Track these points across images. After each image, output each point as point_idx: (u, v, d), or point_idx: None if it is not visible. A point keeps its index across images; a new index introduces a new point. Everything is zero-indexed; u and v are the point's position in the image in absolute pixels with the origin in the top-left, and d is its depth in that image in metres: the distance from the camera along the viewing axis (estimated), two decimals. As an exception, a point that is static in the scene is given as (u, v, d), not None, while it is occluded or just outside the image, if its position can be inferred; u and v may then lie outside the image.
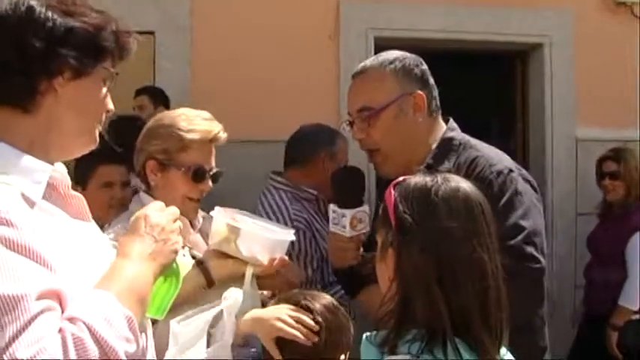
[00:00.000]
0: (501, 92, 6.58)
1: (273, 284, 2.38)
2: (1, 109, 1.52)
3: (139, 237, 1.59)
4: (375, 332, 1.60)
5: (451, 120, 2.59)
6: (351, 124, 2.56)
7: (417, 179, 1.63)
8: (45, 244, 1.42)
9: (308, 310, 2.08)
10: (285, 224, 3.12)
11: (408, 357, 1.48)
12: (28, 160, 1.49)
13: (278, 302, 2.17)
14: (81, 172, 3.26)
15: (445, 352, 1.46)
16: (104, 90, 1.63)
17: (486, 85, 6.42)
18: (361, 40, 5.75)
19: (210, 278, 2.27)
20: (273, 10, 5.57)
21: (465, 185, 1.62)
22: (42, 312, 1.31)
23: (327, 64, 5.69)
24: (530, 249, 2.25)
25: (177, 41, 5.50)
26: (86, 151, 1.66)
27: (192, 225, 2.49)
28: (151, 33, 5.39)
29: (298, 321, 2.03)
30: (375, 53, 5.66)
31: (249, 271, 2.13)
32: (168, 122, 2.39)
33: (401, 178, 1.68)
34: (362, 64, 2.58)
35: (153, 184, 2.42)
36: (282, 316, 2.03)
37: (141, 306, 1.46)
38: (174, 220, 1.71)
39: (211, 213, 2.33)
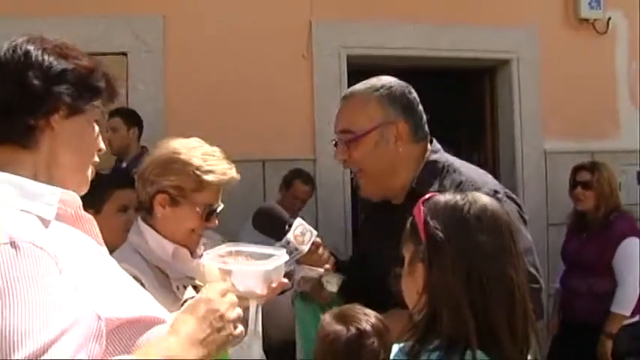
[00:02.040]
0: (470, 108, 6.70)
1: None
2: (3, 147, 1.59)
3: (197, 319, 1.63)
4: (403, 343, 1.65)
5: (435, 141, 2.59)
6: (335, 144, 2.60)
7: (448, 197, 1.69)
8: (68, 266, 1.45)
9: (359, 332, 2.08)
10: None
11: None
12: (36, 186, 1.55)
13: (332, 319, 2.16)
14: (96, 196, 3.28)
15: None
16: (96, 129, 1.71)
17: (455, 100, 6.53)
18: (334, 59, 5.84)
19: None
20: (245, 31, 5.62)
21: (493, 204, 1.69)
22: (58, 345, 1.32)
23: (302, 83, 5.76)
24: (530, 269, 2.27)
25: (150, 62, 5.52)
26: (81, 192, 1.70)
27: (193, 252, 2.45)
28: (124, 54, 5.41)
29: None
30: (348, 71, 5.86)
31: (252, 307, 2.10)
32: (184, 159, 2.33)
33: (428, 195, 1.73)
34: (352, 87, 2.60)
35: (159, 216, 2.38)
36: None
37: None
38: (234, 308, 1.75)
39: (201, 260, 2.29)
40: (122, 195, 3.37)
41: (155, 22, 5.56)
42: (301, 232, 2.49)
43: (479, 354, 1.53)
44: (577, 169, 5.14)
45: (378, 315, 2.13)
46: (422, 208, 1.69)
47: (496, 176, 6.33)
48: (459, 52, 6.13)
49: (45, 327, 1.32)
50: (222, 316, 1.68)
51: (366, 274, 2.52)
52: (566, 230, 5.30)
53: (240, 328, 1.76)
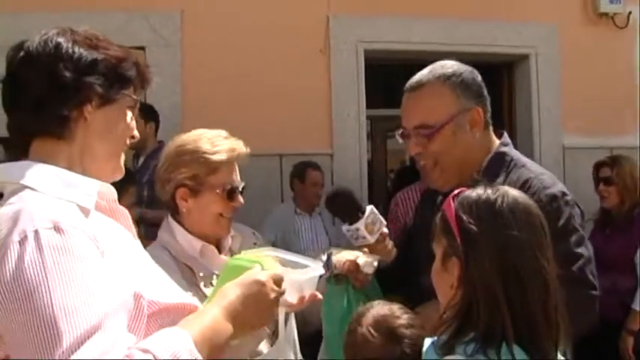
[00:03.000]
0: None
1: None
2: (39, 140, 1.63)
3: (245, 298, 1.64)
4: (437, 337, 1.65)
5: (505, 134, 2.53)
6: (406, 137, 2.47)
7: (478, 191, 1.68)
8: (108, 249, 1.50)
9: (397, 338, 2.04)
10: None
11: (462, 357, 1.54)
12: (75, 177, 1.60)
13: (372, 329, 2.09)
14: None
15: (499, 352, 1.52)
16: (129, 117, 1.74)
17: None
18: (351, 54, 5.84)
19: None
20: (263, 25, 5.63)
21: (523, 197, 1.69)
22: (106, 326, 1.36)
23: (319, 78, 5.77)
24: (589, 276, 2.25)
25: (167, 57, 5.54)
26: (115, 178, 1.75)
27: (221, 246, 2.47)
28: (142, 48, 5.43)
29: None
30: (366, 66, 5.86)
31: (281, 315, 2.06)
32: (191, 148, 2.36)
33: (457, 191, 1.72)
34: (418, 76, 2.45)
35: (184, 211, 2.39)
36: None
37: (211, 356, 1.51)
38: (278, 299, 1.77)
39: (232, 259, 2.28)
40: (133, 191, 3.41)
41: (173, 17, 5.59)
42: (372, 220, 2.48)
43: (515, 348, 1.54)
44: (598, 166, 5.08)
45: (413, 316, 2.10)
46: (452, 203, 1.69)
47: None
48: (477, 47, 6.10)
49: (92, 307, 1.36)
50: (268, 305, 1.70)
51: (412, 269, 2.48)
52: (592, 227, 5.26)
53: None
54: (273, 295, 1.70)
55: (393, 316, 2.08)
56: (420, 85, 2.40)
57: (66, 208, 1.51)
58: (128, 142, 1.76)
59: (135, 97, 1.73)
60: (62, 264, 1.38)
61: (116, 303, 1.43)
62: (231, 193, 2.38)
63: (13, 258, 1.38)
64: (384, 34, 5.89)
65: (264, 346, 2.25)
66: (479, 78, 2.45)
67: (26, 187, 1.54)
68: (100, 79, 1.62)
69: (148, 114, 5.21)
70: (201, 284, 2.29)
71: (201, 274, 2.31)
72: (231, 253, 2.46)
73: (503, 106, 6.61)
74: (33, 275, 1.36)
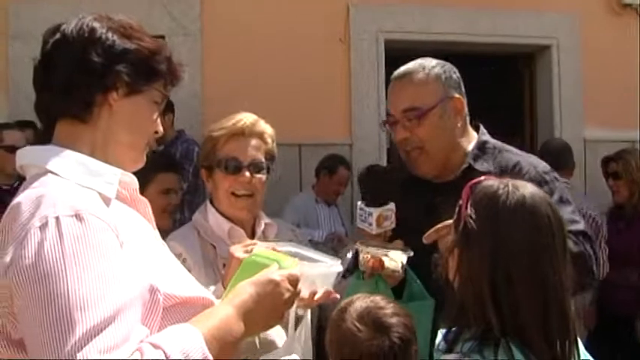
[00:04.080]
0: (508, 94, 6.62)
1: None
2: (63, 122, 1.63)
3: (258, 298, 1.61)
4: (447, 330, 1.64)
5: (481, 126, 2.68)
6: (393, 123, 2.59)
7: (490, 183, 1.64)
8: (127, 240, 1.50)
9: (383, 328, 1.98)
10: None
11: (456, 356, 1.52)
12: (97, 165, 1.60)
13: (356, 320, 2.03)
14: (140, 178, 3.41)
15: (496, 352, 1.48)
16: (155, 111, 1.74)
17: (494, 86, 6.46)
18: (372, 43, 5.81)
19: None
20: (283, 14, 5.62)
21: (535, 196, 1.62)
22: (120, 318, 1.36)
23: (338, 67, 5.75)
24: (586, 238, 2.40)
25: (188, 45, 5.55)
26: (136, 168, 1.75)
27: (254, 232, 2.49)
28: (162, 37, 5.42)
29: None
30: (386, 56, 5.83)
31: (292, 314, 2.03)
32: (209, 129, 2.48)
33: (477, 179, 1.69)
34: (403, 67, 2.62)
35: (209, 191, 2.49)
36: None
37: (222, 355, 1.50)
38: (293, 300, 1.73)
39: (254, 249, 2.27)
40: (165, 178, 3.46)
41: (193, 5, 5.59)
42: (387, 216, 2.48)
43: (517, 348, 1.50)
44: (606, 161, 5.10)
45: (402, 308, 2.07)
46: (469, 191, 1.65)
47: (534, 164, 6.34)
48: (498, 37, 6.07)
49: (107, 298, 1.36)
50: (280, 305, 1.67)
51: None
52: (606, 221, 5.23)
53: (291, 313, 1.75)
54: (287, 296, 1.66)
55: (377, 307, 2.03)
56: (407, 73, 2.57)
57: (88, 196, 1.51)
58: (153, 137, 1.76)
59: (164, 91, 1.73)
60: (81, 253, 1.38)
61: (132, 295, 1.42)
62: (231, 167, 2.39)
63: (33, 242, 1.38)
64: (404, 24, 5.86)
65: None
66: (458, 74, 2.61)
67: (50, 171, 1.54)
68: (129, 68, 1.62)
69: (166, 106, 5.22)
70: (221, 265, 2.29)
71: (224, 256, 2.30)
72: (265, 239, 2.44)
73: (524, 97, 6.57)
74: (51, 262, 1.36)
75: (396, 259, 2.35)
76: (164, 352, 1.36)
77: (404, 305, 2.29)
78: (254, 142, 2.43)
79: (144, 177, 3.61)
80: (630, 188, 4.89)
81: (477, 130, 2.66)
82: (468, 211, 1.60)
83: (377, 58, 5.77)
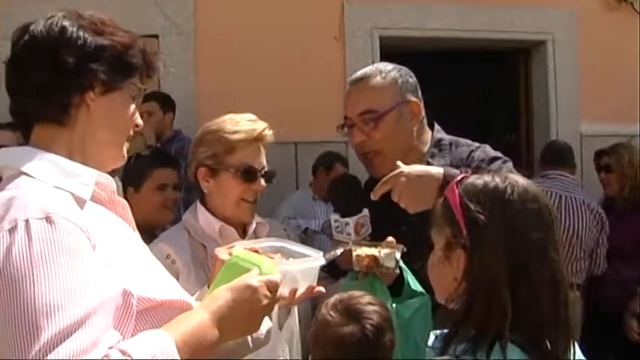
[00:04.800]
0: (504, 89, 6.62)
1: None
2: (40, 125, 1.60)
3: (234, 304, 1.58)
4: (440, 331, 1.61)
5: (436, 124, 2.75)
6: (350, 127, 2.63)
7: (485, 178, 1.61)
8: (101, 243, 1.47)
9: (355, 315, 1.96)
10: None
11: (448, 358, 1.49)
12: (73, 166, 1.57)
13: (330, 309, 2.02)
14: (136, 175, 3.43)
15: (489, 353, 1.45)
16: (132, 106, 1.70)
17: (489, 81, 6.45)
18: (367, 40, 5.79)
19: None
20: (277, 12, 5.58)
21: (531, 185, 1.61)
22: (89, 323, 1.33)
23: (333, 65, 5.71)
24: None
25: (182, 44, 5.52)
26: (117, 165, 1.72)
27: (245, 232, 2.47)
28: (155, 37, 5.40)
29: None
30: (381, 53, 5.80)
31: (274, 315, 2.03)
32: (214, 128, 2.41)
33: (461, 176, 1.66)
34: (361, 72, 2.68)
35: (206, 192, 2.43)
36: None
37: (197, 357, 1.48)
38: (272, 306, 1.71)
39: (232, 250, 2.24)
40: (161, 174, 3.48)
41: (186, 4, 5.56)
42: (363, 222, 2.49)
43: (511, 348, 1.46)
44: (599, 154, 5.11)
45: (380, 301, 2.06)
46: (456, 190, 1.60)
47: (530, 159, 6.33)
48: (494, 33, 6.04)
49: (75, 303, 1.33)
50: (257, 312, 1.64)
51: None
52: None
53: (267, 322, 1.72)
54: (265, 302, 1.63)
55: (353, 297, 2.01)
56: (364, 77, 2.63)
57: (61, 198, 1.48)
58: (131, 132, 1.73)
59: (140, 85, 1.69)
60: (50, 256, 1.36)
61: (103, 298, 1.39)
62: (247, 174, 2.37)
63: (1, 246, 1.36)
64: (399, 21, 5.83)
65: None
66: (414, 78, 2.68)
67: (24, 173, 1.52)
68: (104, 65, 1.59)
69: (166, 104, 5.20)
70: (212, 264, 2.27)
71: (213, 255, 2.29)
72: (257, 239, 2.40)
73: (519, 93, 6.55)
74: (19, 266, 1.33)
75: (390, 256, 2.33)
76: (130, 356, 1.34)
77: (403, 303, 2.28)
78: (262, 148, 2.43)
79: (140, 174, 3.64)
80: (621, 182, 4.90)
81: (432, 127, 2.72)
82: (471, 207, 1.55)
83: (372, 55, 5.73)
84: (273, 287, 1.67)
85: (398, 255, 2.32)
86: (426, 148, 2.64)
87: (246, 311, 1.60)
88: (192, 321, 1.51)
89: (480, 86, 6.31)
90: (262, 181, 2.41)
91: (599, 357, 4.72)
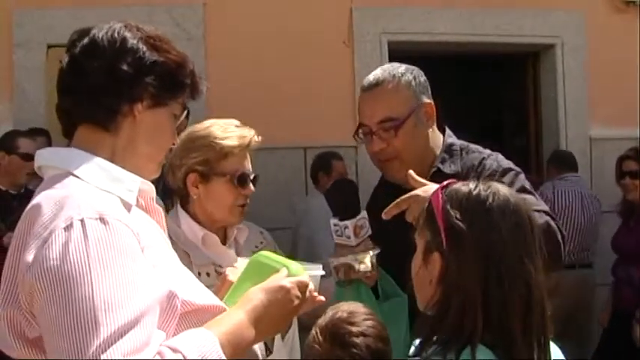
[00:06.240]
0: (513, 93, 6.62)
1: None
2: (85, 127, 1.63)
3: (269, 304, 1.64)
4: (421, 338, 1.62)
5: (447, 128, 2.71)
6: (366, 134, 2.58)
7: (470, 185, 1.62)
8: (148, 245, 1.51)
9: (343, 344, 1.96)
10: None
11: (418, 359, 1.51)
12: (118, 171, 1.61)
13: (319, 333, 2.03)
14: None
15: (458, 355, 1.46)
16: (174, 124, 1.74)
17: (499, 85, 6.46)
18: (375, 45, 5.81)
19: None
20: (286, 18, 5.61)
21: (514, 195, 1.63)
22: (142, 322, 1.37)
23: (342, 70, 5.74)
24: (553, 222, 2.39)
25: (191, 50, 5.49)
26: (151, 178, 1.74)
27: (227, 237, 2.49)
28: (165, 43, 5.43)
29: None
30: (390, 58, 5.82)
31: None
32: (203, 134, 2.39)
33: (447, 182, 1.68)
34: (372, 76, 2.61)
35: (195, 198, 2.41)
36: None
37: (235, 357, 1.53)
38: (301, 306, 1.74)
39: (235, 264, 2.27)
40: None
41: (196, 10, 5.59)
42: (362, 224, 2.50)
43: (481, 350, 1.48)
44: (623, 159, 5.08)
45: (372, 315, 2.06)
46: (440, 194, 1.62)
47: (539, 162, 6.33)
48: (502, 37, 6.06)
49: (130, 302, 1.37)
50: (290, 311, 1.69)
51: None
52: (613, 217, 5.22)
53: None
54: (296, 302, 1.68)
55: (347, 321, 2.00)
56: (377, 83, 2.56)
57: (110, 200, 1.52)
58: (170, 150, 1.78)
59: (184, 104, 1.73)
60: (106, 256, 1.40)
61: (153, 299, 1.43)
62: (241, 180, 2.39)
63: (58, 243, 1.40)
64: (407, 26, 5.86)
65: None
66: (425, 77, 2.63)
67: (71, 173, 1.55)
68: (157, 80, 1.63)
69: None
70: (196, 273, 2.27)
71: (198, 263, 2.32)
72: (237, 244, 2.49)
73: (528, 96, 6.55)
74: (77, 264, 1.37)
75: (365, 260, 2.39)
76: (182, 354, 1.38)
77: (380, 305, 2.36)
78: (248, 155, 2.45)
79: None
80: None
81: (443, 131, 2.68)
82: (452, 213, 1.57)
83: (381, 59, 5.74)
84: (303, 288, 1.71)
85: (371, 256, 2.39)
86: (438, 151, 2.61)
87: (279, 311, 1.66)
88: (231, 320, 1.56)
89: (488, 90, 6.32)
90: (252, 186, 2.42)
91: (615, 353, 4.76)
